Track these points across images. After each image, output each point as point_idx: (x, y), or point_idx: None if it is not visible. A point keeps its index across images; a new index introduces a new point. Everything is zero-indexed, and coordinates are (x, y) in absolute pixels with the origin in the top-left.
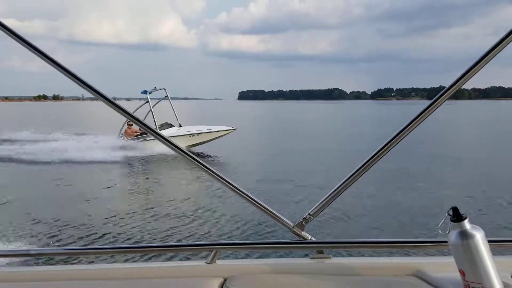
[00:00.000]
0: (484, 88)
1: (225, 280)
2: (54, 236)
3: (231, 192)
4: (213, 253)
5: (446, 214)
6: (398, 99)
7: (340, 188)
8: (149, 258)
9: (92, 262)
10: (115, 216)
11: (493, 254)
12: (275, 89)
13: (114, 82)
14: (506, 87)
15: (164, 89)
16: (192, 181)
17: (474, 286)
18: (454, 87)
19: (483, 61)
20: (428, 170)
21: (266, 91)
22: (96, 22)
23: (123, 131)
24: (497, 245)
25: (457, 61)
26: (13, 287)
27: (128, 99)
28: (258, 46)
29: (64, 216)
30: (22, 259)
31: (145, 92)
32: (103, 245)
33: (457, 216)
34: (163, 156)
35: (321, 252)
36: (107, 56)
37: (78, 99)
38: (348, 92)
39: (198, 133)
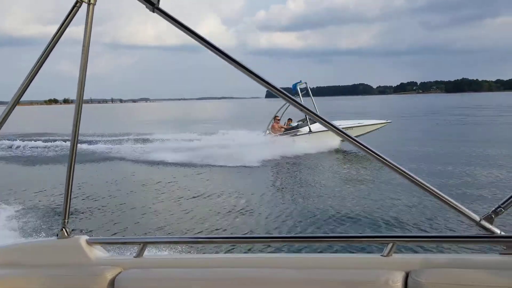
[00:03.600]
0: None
1: (407, 273)
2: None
3: (409, 182)
4: (390, 245)
5: None
6: (418, 92)
7: None
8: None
9: (261, 251)
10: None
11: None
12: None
13: (160, 83)
14: None
15: (305, 83)
16: (365, 175)
17: None
18: None
19: None
20: None
21: None
22: (139, 26)
23: (270, 126)
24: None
25: (504, 52)
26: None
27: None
28: (297, 42)
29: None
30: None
31: (295, 85)
32: (267, 234)
33: None
34: (317, 153)
35: None
36: (150, 59)
37: (87, 102)
38: (374, 87)
39: (352, 127)
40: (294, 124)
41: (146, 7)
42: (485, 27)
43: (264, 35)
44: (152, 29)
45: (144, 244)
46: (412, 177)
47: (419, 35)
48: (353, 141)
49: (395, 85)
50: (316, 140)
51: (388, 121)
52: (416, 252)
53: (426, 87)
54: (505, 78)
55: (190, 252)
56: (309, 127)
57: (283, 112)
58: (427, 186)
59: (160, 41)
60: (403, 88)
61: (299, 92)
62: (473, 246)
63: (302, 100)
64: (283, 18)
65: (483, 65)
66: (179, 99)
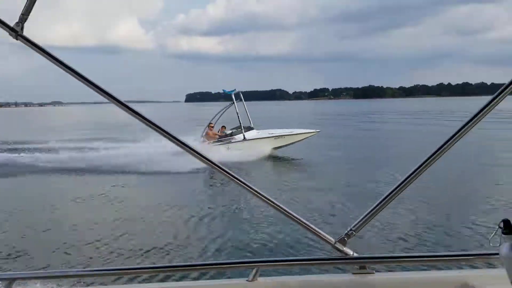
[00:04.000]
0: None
1: None
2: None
3: (270, 208)
4: (254, 270)
5: (497, 227)
6: (330, 98)
7: (383, 202)
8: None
9: (131, 282)
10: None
11: None
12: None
13: (75, 86)
14: (429, 85)
15: (239, 92)
16: (241, 198)
17: None
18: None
19: None
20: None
21: (213, 92)
22: (50, 24)
23: (204, 133)
24: None
25: (408, 61)
26: None
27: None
28: (217, 47)
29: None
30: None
31: (231, 92)
32: (139, 264)
33: (509, 229)
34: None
35: (364, 268)
36: (66, 60)
37: (10, 105)
38: (290, 92)
39: (284, 135)
40: (228, 131)
41: (9, 34)
42: (391, 37)
43: (185, 39)
44: (65, 29)
45: (12, 281)
46: (272, 202)
47: (333, 44)
48: (213, 164)
49: (309, 91)
50: (249, 148)
51: (317, 130)
52: (280, 275)
53: (337, 93)
54: (407, 85)
55: (62, 286)
56: (243, 135)
57: (217, 119)
58: (286, 211)
59: (76, 41)
60: (316, 94)
61: (234, 99)
62: (331, 267)
63: (236, 106)
64: (203, 23)
65: (388, 73)
66: (95, 103)
